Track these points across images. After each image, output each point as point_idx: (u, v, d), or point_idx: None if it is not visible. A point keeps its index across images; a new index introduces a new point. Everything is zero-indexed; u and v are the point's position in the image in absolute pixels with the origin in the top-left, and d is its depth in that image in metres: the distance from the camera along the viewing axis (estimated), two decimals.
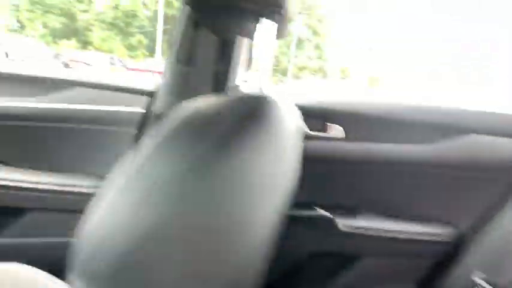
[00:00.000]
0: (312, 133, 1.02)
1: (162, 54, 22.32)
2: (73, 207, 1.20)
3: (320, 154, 1.06)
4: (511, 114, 1.09)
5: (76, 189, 1.19)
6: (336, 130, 1.05)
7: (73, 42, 21.13)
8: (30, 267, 0.78)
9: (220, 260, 0.43)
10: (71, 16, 22.04)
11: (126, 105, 1.21)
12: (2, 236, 1.20)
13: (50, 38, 20.59)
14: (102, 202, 0.69)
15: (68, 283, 0.67)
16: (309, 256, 1.16)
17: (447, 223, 1.09)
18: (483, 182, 1.04)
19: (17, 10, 22.48)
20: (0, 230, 1.20)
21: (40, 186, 1.17)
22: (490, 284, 0.86)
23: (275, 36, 0.85)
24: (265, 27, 0.78)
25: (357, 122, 1.16)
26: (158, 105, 1.17)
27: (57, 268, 0.77)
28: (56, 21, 22.13)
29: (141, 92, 1.20)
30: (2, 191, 1.16)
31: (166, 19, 22.53)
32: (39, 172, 1.20)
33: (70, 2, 21.82)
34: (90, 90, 1.20)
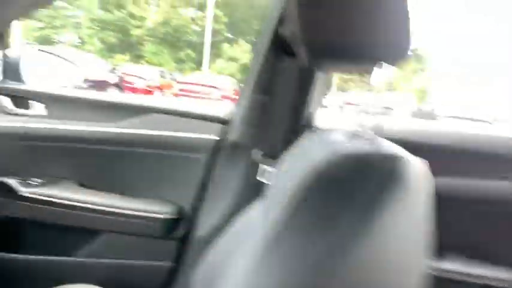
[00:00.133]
0: None
1: (209, 67, 23.08)
2: (144, 231, 1.20)
3: None
4: None
5: (147, 214, 1.21)
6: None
7: (126, 56, 22.56)
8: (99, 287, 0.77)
9: None
10: (125, 32, 23.63)
11: (197, 132, 1.21)
12: (76, 256, 1.24)
13: (105, 53, 22.15)
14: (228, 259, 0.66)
15: None
16: None
17: None
18: None
19: (78, 27, 24.54)
20: (74, 249, 1.25)
21: (114, 210, 1.20)
22: None
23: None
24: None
25: (441, 155, 1.06)
26: (233, 133, 1.16)
27: None
28: (112, 37, 23.82)
29: (216, 120, 1.20)
30: (79, 212, 1.20)
31: (214, 33, 23.34)
32: (114, 195, 1.23)
33: (125, 18, 23.40)
34: (165, 115, 1.22)
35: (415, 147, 0.57)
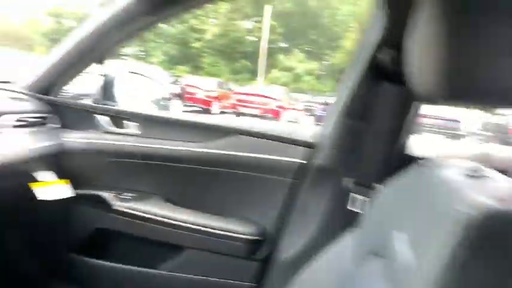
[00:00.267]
0: None
1: (264, 77, 23.42)
2: (227, 250, 1.21)
3: None
4: None
5: (231, 234, 1.21)
6: None
7: (187, 67, 23.75)
8: None
9: None
10: (185, 44, 24.94)
11: (282, 154, 1.20)
12: (160, 269, 1.28)
13: (168, 64, 23.51)
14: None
15: None
16: None
17: None
18: None
19: (143, 41, 26.42)
20: (159, 262, 1.29)
21: (199, 227, 1.23)
22: None
23: None
24: None
25: None
26: (320, 157, 1.13)
27: None
28: (174, 49, 25.30)
29: (301, 143, 1.18)
30: (165, 227, 1.25)
31: (269, 44, 23.70)
32: (199, 213, 1.27)
33: (186, 31, 24.72)
34: (251, 138, 1.23)
35: None
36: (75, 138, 1.30)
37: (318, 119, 11.35)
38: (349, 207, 1.06)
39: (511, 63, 0.41)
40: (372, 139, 1.04)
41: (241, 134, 1.22)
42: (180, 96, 10.47)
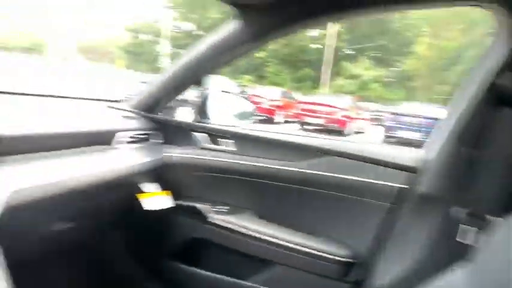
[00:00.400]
0: None
1: (328, 85, 23.05)
2: (318, 270, 1.22)
3: None
4: None
5: (323, 254, 1.21)
6: None
7: (251, 77, 24.37)
8: None
9: None
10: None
11: (380, 177, 1.17)
12: (249, 281, 1.33)
13: (232, 74, 24.37)
14: None
15: None
16: None
17: None
18: None
19: None
20: (249, 275, 1.34)
21: (290, 244, 1.25)
22: None
23: None
24: None
25: None
26: (424, 183, 1.07)
27: None
28: (243, 60, 26.14)
29: (402, 167, 1.13)
30: (258, 242, 1.28)
31: (334, 51, 23.29)
32: (291, 230, 1.28)
33: None
34: (346, 159, 1.22)
35: None
36: (175, 153, 1.41)
37: (388, 130, 10.81)
38: (458, 239, 0.99)
39: None
40: (487, 167, 0.96)
41: (336, 155, 1.21)
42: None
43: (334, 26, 22.96)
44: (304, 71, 26.60)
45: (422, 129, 9.64)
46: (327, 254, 1.20)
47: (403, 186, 1.13)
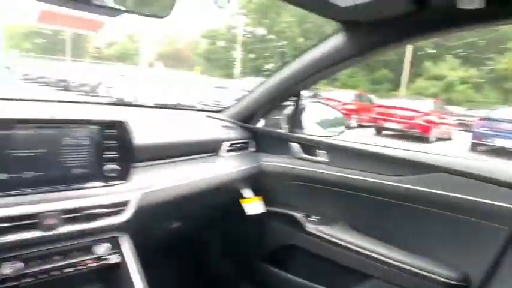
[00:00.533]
0: None
1: (409, 88, 21.66)
2: None
3: None
4: None
5: (426, 274, 1.17)
6: None
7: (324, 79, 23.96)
8: None
9: None
10: None
11: (495, 197, 1.08)
12: None
13: None
14: None
15: None
16: None
17: None
18: None
19: (284, 56, 28.03)
20: (338, 285, 1.36)
21: (390, 260, 1.22)
22: None
23: None
24: None
25: None
26: None
27: None
28: None
29: None
30: (352, 253, 1.29)
31: (414, 50, 21.81)
32: (388, 246, 1.26)
33: None
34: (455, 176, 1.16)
35: None
36: (272, 162, 1.50)
37: (478, 137, 9.76)
38: None
39: None
40: None
41: (442, 171, 1.16)
42: None
43: None
44: (381, 72, 25.36)
45: None
46: (436, 275, 1.15)
47: None
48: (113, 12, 0.69)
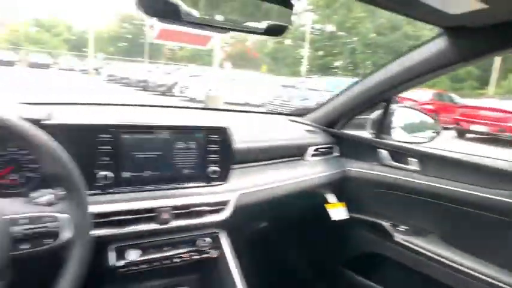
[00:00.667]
0: None
1: (498, 86, 19.47)
2: None
3: None
4: None
5: None
6: None
7: None
8: None
9: None
10: (398, 52, 23.83)
11: None
12: None
13: None
14: None
15: None
16: None
17: None
18: None
19: (353, 53, 27.12)
20: None
21: (484, 277, 1.16)
22: None
23: None
24: None
25: None
26: None
27: None
28: (384, 59, 24.69)
29: None
30: (444, 268, 1.25)
31: None
32: (487, 263, 1.20)
33: (399, 39, 23.65)
34: None
35: None
36: (357, 168, 1.49)
37: None
38: None
39: None
40: None
41: None
42: None
43: None
44: (465, 68, 23.14)
45: None
46: None
47: None
48: (226, 31, 0.76)
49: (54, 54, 33.17)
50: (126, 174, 0.94)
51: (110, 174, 0.91)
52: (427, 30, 23.48)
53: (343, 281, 1.58)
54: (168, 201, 0.98)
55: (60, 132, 0.69)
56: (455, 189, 1.25)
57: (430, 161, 1.33)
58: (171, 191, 1.00)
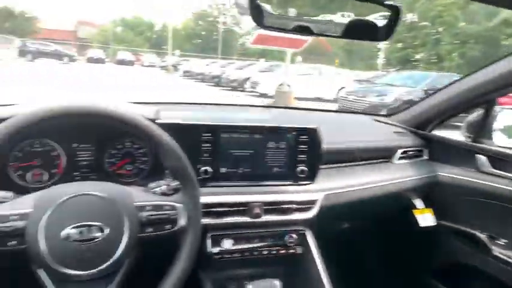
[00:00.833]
0: None
1: None
2: None
3: None
4: None
5: None
6: None
7: None
8: None
9: None
10: (493, 42, 21.35)
11: None
12: None
13: (465, 68, 21.11)
14: None
15: None
16: None
17: None
18: None
19: (437, 44, 25.02)
20: None
21: None
22: None
23: None
24: None
25: None
26: None
27: None
28: (474, 50, 22.36)
29: None
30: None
31: None
32: None
33: (496, 27, 21.18)
34: None
35: None
36: (448, 173, 1.42)
37: None
38: None
39: None
40: None
41: None
42: None
43: None
44: None
45: None
46: None
47: None
48: (330, 36, 0.80)
49: (137, 52, 36.29)
50: (223, 170, 1.04)
51: (209, 169, 1.01)
52: None
53: None
54: (260, 196, 1.05)
55: (169, 130, 0.79)
56: None
57: None
58: (262, 187, 1.07)
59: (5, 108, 0.90)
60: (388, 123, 1.58)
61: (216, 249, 1.03)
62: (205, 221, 0.99)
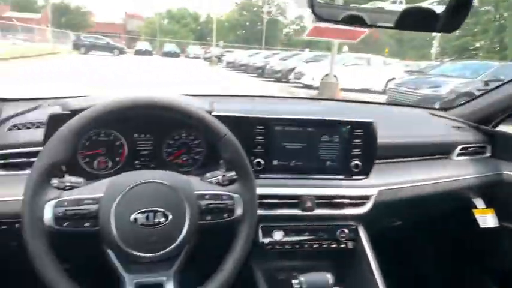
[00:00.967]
0: None
1: None
2: None
3: None
4: None
5: None
6: None
7: None
8: None
9: None
10: None
11: None
12: None
13: None
14: None
15: None
16: None
17: None
18: None
19: (501, 31, 23.10)
20: None
21: None
22: None
23: None
24: None
25: None
26: None
27: None
28: None
29: None
30: None
31: None
32: None
33: None
34: None
35: None
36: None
37: None
38: None
39: None
40: None
41: None
42: None
43: None
44: None
45: None
46: None
47: None
48: (384, 27, 0.78)
49: (183, 44, 37.29)
50: (275, 162, 1.06)
51: (262, 161, 1.04)
52: None
53: None
54: (312, 190, 1.06)
55: (223, 122, 0.82)
56: None
57: None
58: (314, 181, 1.08)
59: (77, 100, 0.98)
60: (446, 117, 1.52)
61: (267, 240, 1.06)
62: (258, 212, 1.02)
